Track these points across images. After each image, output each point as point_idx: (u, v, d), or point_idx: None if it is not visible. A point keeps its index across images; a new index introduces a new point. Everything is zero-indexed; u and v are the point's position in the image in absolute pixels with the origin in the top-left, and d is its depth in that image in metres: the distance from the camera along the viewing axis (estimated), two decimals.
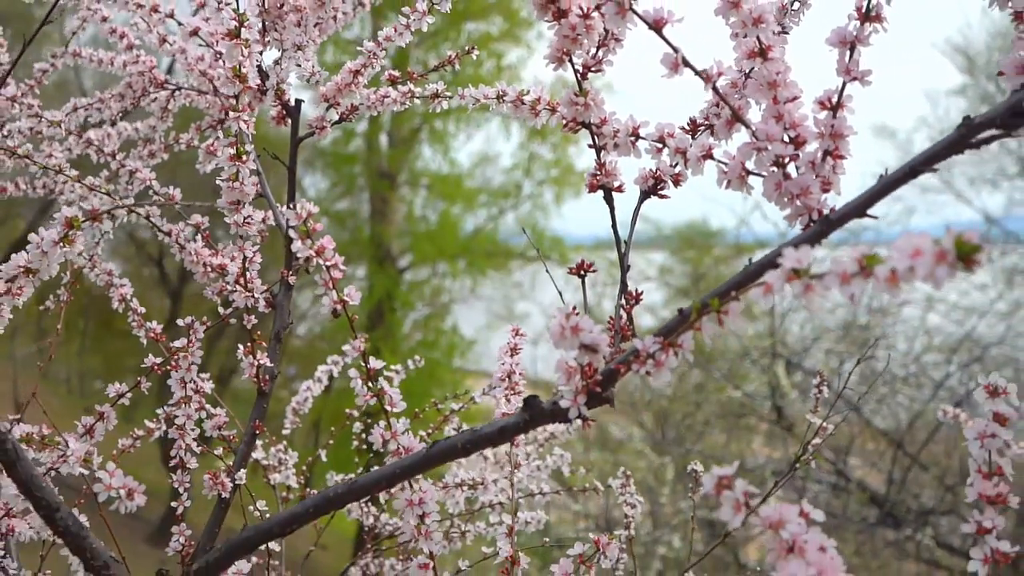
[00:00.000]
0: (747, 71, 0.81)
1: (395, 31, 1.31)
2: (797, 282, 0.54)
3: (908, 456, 6.14)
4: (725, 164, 0.83)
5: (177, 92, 1.68)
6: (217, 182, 1.09)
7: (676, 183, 0.90)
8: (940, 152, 0.66)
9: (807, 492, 6.17)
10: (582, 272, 0.92)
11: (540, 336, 4.57)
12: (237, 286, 1.16)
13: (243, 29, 1.10)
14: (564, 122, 0.90)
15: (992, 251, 7.21)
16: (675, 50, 0.78)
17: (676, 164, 0.89)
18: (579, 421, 0.73)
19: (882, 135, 8.56)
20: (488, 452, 1.81)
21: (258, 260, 1.17)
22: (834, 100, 0.77)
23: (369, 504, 1.90)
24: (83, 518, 0.96)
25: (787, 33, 0.85)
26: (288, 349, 8.54)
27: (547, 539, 1.92)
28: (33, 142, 1.67)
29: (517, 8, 9.83)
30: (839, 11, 0.80)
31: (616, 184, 0.92)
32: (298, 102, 1.32)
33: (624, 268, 0.89)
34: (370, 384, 0.92)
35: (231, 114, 1.08)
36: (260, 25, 1.24)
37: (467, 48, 1.43)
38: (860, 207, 0.69)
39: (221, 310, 1.20)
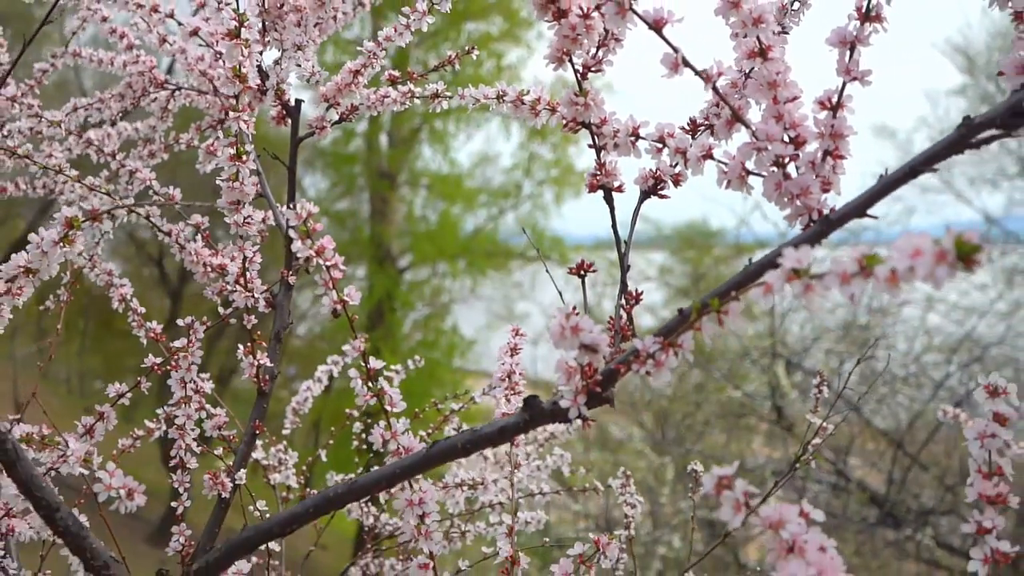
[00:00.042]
0: (747, 71, 0.81)
1: (395, 31, 1.31)
2: (797, 282, 0.54)
3: (908, 456, 6.14)
4: (725, 164, 0.83)
5: (177, 92, 1.68)
6: (217, 182, 1.09)
7: (676, 183, 0.90)
8: (940, 152, 0.66)
9: (807, 492, 6.17)
10: (582, 272, 0.92)
11: (540, 336, 4.57)
12: (237, 286, 1.16)
13: (243, 29, 1.10)
14: (564, 122, 0.90)
15: (992, 251, 7.21)
16: (675, 50, 0.78)
17: (676, 164, 0.89)
18: (579, 421, 0.73)
19: (882, 135, 8.58)
20: (488, 452, 1.81)
21: (258, 260, 1.17)
22: (834, 100, 0.77)
23: (369, 504, 1.90)
24: (83, 518, 0.96)
25: (787, 33, 0.85)
26: (288, 349, 8.54)
27: (547, 539, 1.92)
28: (33, 142, 1.67)
29: (517, 8, 9.84)
30: (839, 11, 0.80)
31: (616, 184, 0.92)
32: (298, 102, 1.32)
33: (624, 268, 0.89)
34: (370, 384, 0.92)
35: (231, 114, 1.08)
36: (260, 25, 1.24)
37: (467, 48, 1.43)
38: (860, 207, 0.69)
39: (221, 310, 1.20)
